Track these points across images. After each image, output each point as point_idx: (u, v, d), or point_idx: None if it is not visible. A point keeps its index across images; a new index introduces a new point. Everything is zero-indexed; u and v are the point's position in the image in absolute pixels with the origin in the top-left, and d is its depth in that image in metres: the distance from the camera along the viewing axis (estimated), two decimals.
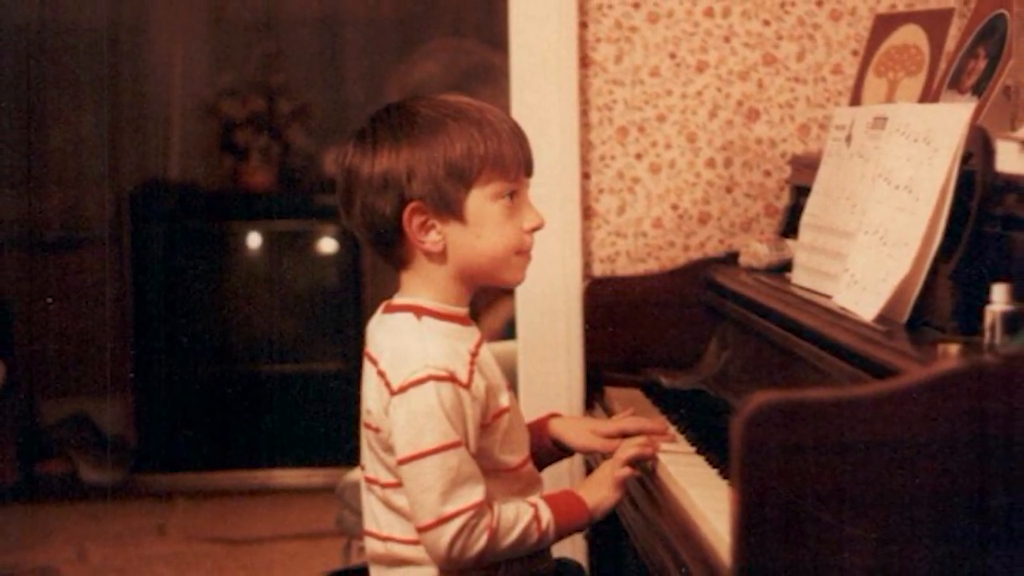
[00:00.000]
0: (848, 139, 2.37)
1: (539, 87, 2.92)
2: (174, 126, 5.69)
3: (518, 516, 2.00)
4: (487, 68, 5.46)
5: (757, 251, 2.65)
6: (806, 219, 2.46)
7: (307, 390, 5.42)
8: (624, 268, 2.98)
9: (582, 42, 2.95)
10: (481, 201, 2.00)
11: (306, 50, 5.73)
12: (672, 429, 2.29)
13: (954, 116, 2.02)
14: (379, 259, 2.10)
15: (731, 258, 2.79)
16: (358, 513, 2.21)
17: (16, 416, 5.37)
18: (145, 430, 5.49)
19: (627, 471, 2.11)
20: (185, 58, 5.69)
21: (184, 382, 5.46)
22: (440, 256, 2.02)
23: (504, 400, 2.04)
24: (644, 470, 2.16)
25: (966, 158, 1.99)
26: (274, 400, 5.42)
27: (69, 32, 5.50)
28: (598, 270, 2.98)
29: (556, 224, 2.87)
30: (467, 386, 1.97)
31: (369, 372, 2.02)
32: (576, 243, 2.93)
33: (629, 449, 2.14)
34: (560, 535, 2.06)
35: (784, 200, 2.89)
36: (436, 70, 5.54)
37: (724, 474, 2.08)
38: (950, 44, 2.52)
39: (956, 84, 2.40)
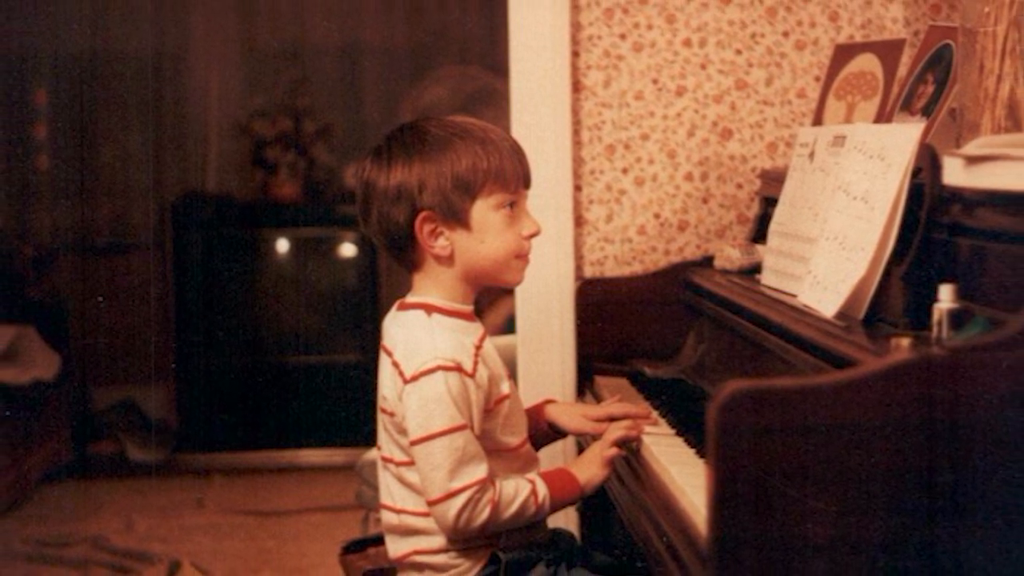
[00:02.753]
0: (811, 155, 2.36)
1: (536, 109, 2.91)
2: (211, 144, 5.68)
3: (517, 491, 2.00)
4: (490, 92, 5.45)
5: (730, 255, 2.65)
6: (774, 226, 2.45)
7: (329, 379, 5.42)
8: (612, 270, 2.97)
9: (574, 69, 2.95)
10: (484, 210, 1.99)
11: (329, 76, 5.73)
12: (654, 413, 2.28)
13: (905, 135, 2.02)
14: (393, 262, 2.10)
15: (707, 261, 2.79)
16: (375, 488, 2.21)
17: (70, 402, 5.37)
18: (185, 414, 5.49)
19: (614, 451, 2.11)
20: (221, 83, 5.69)
21: (220, 371, 5.46)
22: (448, 260, 2.02)
23: (505, 388, 2.04)
24: (630, 450, 2.16)
25: (916, 172, 1.99)
26: (300, 387, 5.41)
27: (118, 60, 5.49)
28: (589, 272, 2.98)
29: (551, 231, 2.87)
30: (472, 375, 1.97)
31: (384, 363, 2.02)
32: (569, 248, 2.93)
33: (616, 431, 2.14)
34: (555, 508, 2.06)
35: (754, 210, 2.89)
36: (444, 94, 5.54)
37: (701, 453, 2.07)
38: (902, 71, 2.51)
39: (907, 106, 2.39)
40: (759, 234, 2.68)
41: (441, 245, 2.00)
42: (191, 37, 5.68)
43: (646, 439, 2.15)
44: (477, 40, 5.71)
